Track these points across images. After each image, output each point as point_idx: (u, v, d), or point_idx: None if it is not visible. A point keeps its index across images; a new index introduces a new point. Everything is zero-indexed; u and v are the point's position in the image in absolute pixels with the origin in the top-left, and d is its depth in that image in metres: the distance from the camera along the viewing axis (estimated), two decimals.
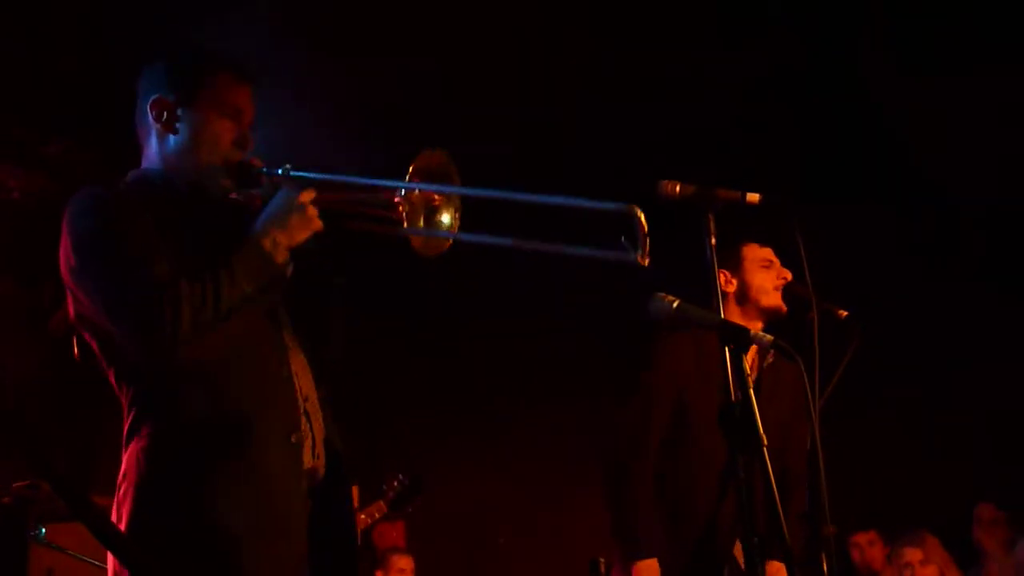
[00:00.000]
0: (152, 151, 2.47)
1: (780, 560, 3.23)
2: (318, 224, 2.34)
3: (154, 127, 2.44)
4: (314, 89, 4.68)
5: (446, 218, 2.38)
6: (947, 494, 5.98)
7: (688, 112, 5.32)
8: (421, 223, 2.34)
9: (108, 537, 1.76)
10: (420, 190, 2.31)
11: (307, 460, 2.37)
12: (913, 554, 5.04)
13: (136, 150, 2.53)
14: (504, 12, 4.89)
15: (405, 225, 2.28)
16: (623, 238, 2.13)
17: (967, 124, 5.32)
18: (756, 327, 3.47)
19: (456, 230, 2.38)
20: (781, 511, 2.36)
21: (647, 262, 2.13)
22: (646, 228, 2.12)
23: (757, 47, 5.29)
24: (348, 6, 4.92)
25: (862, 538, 5.96)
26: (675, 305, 2.54)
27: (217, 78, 2.45)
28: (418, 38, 5.06)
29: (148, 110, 2.44)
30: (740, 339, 2.46)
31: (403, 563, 5.77)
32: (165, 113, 2.42)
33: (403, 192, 2.28)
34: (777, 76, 5.40)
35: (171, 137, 2.43)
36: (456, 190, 2.35)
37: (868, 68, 5.47)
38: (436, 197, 2.37)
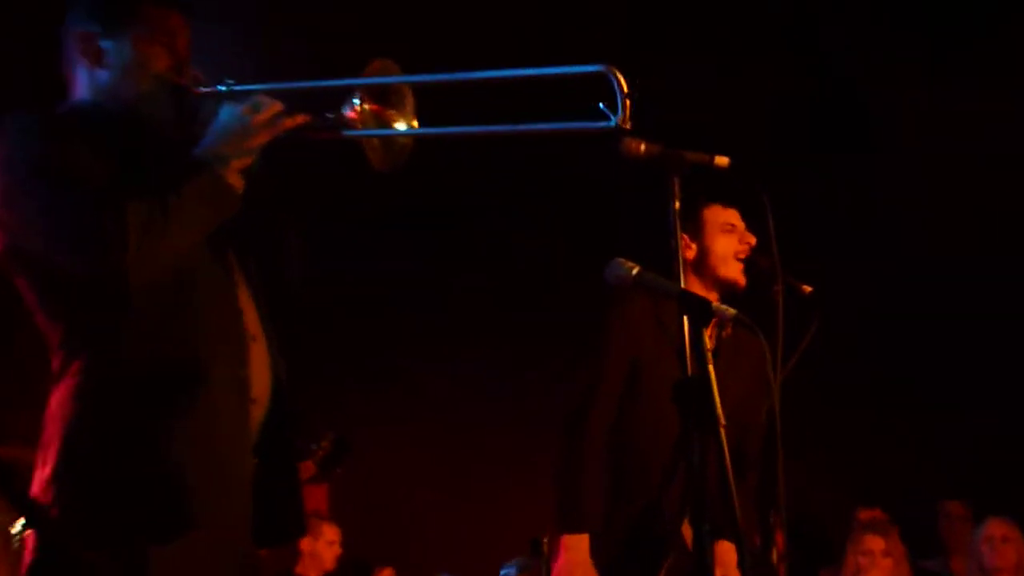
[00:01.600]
0: (82, 87, 2.42)
1: (731, 540, 3.24)
2: (266, 135, 2.32)
3: (82, 62, 2.40)
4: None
5: (402, 127, 2.39)
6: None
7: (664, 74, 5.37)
8: (376, 141, 2.36)
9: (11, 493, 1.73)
10: (371, 99, 2.32)
11: (253, 397, 2.36)
12: (875, 542, 5.15)
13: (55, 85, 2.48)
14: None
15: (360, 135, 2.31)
16: (601, 104, 2.12)
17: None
18: (712, 298, 3.39)
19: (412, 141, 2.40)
20: (734, 494, 2.39)
21: (630, 125, 2.13)
22: (626, 88, 2.12)
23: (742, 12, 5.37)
24: None
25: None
26: (634, 272, 2.55)
27: (144, 4, 2.40)
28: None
29: (74, 44, 2.40)
30: (701, 311, 2.48)
31: (332, 534, 5.75)
32: (92, 46, 2.38)
33: (356, 103, 2.30)
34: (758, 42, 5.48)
35: (100, 72, 2.39)
36: (414, 78, 2.35)
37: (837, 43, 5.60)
38: (390, 111, 2.37)
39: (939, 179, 5.85)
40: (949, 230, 6.04)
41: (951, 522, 5.97)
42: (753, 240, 3.51)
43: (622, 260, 2.55)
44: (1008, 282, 6.02)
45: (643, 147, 2.64)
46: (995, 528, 5.29)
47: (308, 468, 4.69)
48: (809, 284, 3.34)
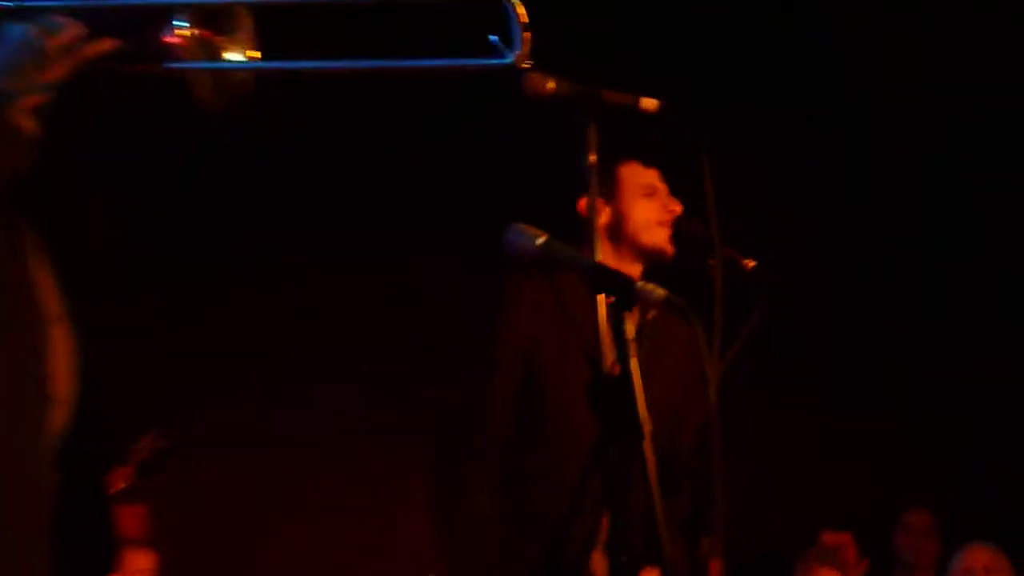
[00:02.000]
0: None
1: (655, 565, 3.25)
2: (64, 65, 2.21)
3: None
4: None
5: (238, 58, 2.31)
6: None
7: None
8: (206, 75, 2.29)
9: None
10: (199, 21, 2.26)
11: (55, 396, 2.31)
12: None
13: None
14: None
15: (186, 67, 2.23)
16: (493, 38, 2.09)
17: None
18: (634, 271, 3.38)
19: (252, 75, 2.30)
20: (661, 515, 2.38)
21: (530, 64, 2.08)
22: (525, 19, 2.06)
23: None
24: None
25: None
26: (540, 242, 2.51)
27: None
28: None
29: None
30: (622, 292, 2.45)
31: (142, 561, 5.64)
32: None
33: (180, 26, 2.23)
34: None
35: None
36: None
37: None
38: (219, 38, 2.30)
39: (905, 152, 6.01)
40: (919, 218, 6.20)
41: (912, 537, 6.04)
42: (678, 207, 3.40)
43: (524, 226, 2.53)
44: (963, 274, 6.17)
45: (552, 83, 2.61)
46: (977, 558, 5.30)
47: (124, 475, 4.62)
48: (752, 258, 3.35)
